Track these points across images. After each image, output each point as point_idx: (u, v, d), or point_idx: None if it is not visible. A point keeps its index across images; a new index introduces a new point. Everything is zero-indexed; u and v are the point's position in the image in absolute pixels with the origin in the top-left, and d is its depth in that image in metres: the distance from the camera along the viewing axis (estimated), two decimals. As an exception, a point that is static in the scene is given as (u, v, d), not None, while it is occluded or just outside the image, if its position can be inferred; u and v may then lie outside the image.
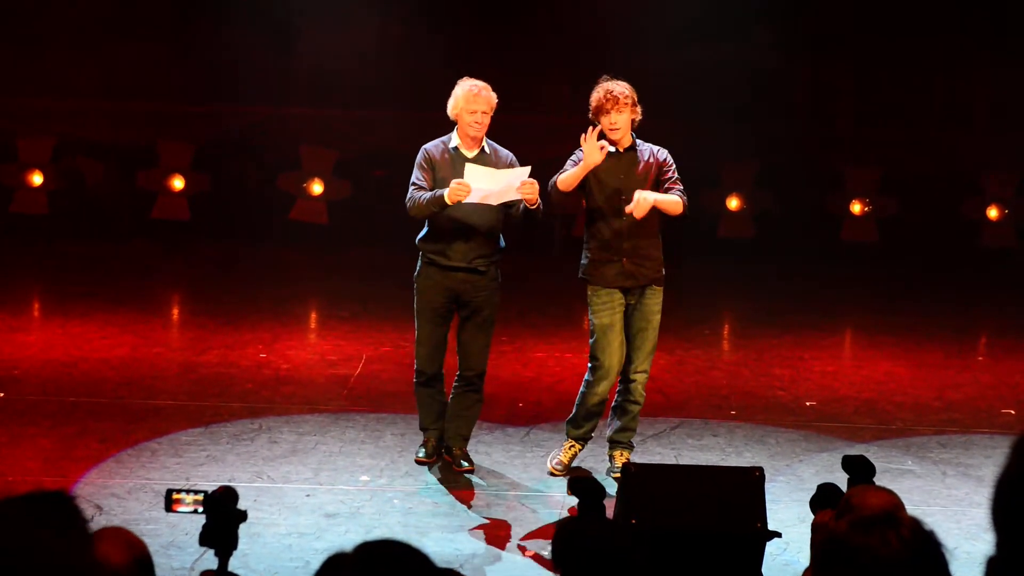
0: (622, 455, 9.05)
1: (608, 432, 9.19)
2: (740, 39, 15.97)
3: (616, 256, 8.91)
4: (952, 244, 16.10)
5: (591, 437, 9.27)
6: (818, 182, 16.42)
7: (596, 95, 8.89)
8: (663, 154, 8.95)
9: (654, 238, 8.97)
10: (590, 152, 8.68)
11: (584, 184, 8.84)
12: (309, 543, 7.88)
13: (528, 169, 8.78)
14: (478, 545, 8.03)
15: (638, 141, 8.97)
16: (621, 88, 8.88)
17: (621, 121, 8.84)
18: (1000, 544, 2.30)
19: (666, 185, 8.88)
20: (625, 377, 9.05)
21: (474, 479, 9.01)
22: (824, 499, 5.55)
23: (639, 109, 8.90)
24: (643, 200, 8.72)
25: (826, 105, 16.68)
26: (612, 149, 8.88)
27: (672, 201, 8.83)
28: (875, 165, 16.30)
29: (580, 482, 5.22)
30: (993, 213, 16.09)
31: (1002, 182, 16.14)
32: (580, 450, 9.23)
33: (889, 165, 16.30)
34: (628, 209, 8.77)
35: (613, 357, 8.93)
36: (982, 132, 16.49)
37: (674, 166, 8.95)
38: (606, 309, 8.94)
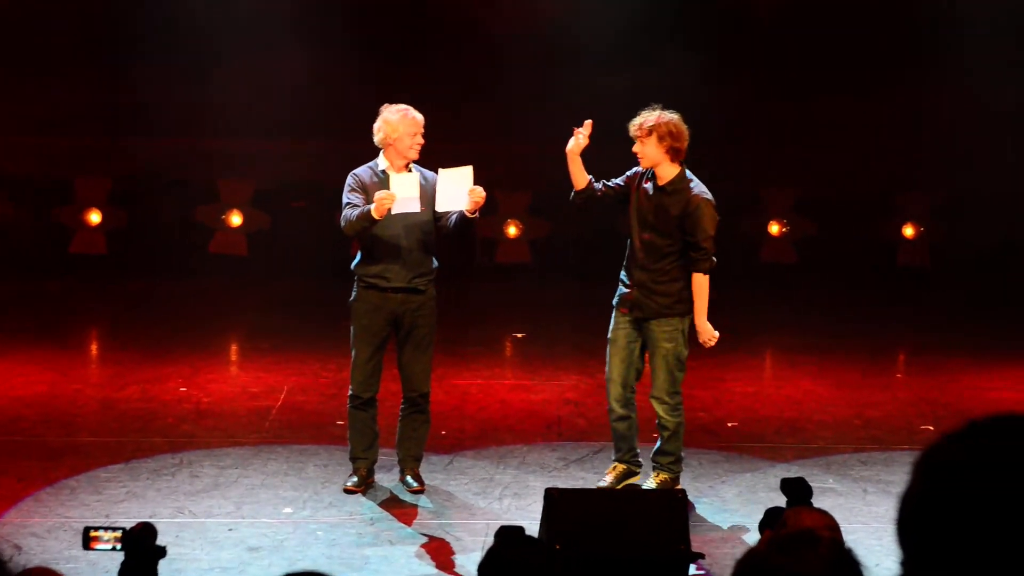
0: (658, 476, 9.14)
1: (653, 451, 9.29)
2: (652, 63, 16.02)
3: (629, 284, 9.08)
4: (868, 263, 16.24)
5: (635, 461, 9.24)
6: (735, 203, 16.50)
7: None
8: (696, 207, 8.84)
9: (669, 275, 9.01)
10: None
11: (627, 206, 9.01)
12: (232, 577, 7.83)
13: (470, 170, 8.81)
14: (402, 575, 8.01)
15: (692, 180, 8.92)
16: (640, 119, 8.91)
17: (644, 152, 8.90)
18: (905, 562, 2.33)
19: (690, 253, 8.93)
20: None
21: (399, 508, 8.98)
22: (770, 522, 5.59)
23: (667, 141, 8.81)
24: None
25: (739, 126, 16.77)
26: (647, 186, 8.97)
27: (702, 298, 9.04)
28: (791, 186, 16.42)
29: (505, 533, 5.18)
30: (908, 232, 16.26)
31: (916, 201, 16.31)
32: (624, 471, 9.20)
33: (805, 186, 16.42)
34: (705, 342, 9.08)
35: (613, 371, 9.14)
36: (896, 152, 16.65)
37: (700, 226, 8.83)
38: (613, 325, 9.21)
